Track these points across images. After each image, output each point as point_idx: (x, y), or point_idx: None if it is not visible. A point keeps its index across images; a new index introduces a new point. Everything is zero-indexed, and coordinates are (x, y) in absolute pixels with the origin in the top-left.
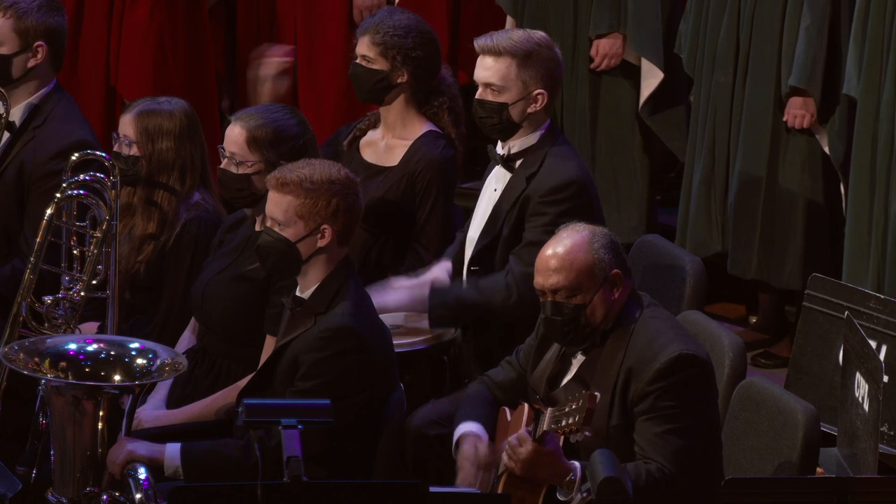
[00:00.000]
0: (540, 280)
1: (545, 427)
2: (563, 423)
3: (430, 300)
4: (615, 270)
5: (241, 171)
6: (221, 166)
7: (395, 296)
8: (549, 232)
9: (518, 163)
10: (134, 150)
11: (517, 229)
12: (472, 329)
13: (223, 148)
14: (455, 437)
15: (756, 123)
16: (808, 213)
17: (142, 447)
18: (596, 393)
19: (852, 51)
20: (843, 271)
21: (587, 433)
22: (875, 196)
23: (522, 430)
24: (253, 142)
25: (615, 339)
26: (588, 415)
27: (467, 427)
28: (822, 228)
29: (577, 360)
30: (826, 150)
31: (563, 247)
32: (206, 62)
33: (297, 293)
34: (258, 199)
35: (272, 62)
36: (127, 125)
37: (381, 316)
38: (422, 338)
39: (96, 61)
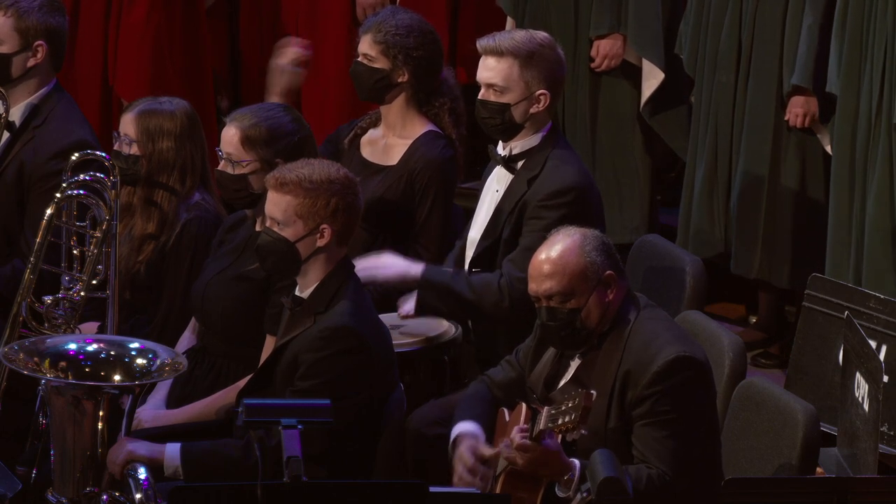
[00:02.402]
0: (534, 286)
1: (542, 426)
2: (560, 421)
3: (420, 284)
4: (608, 272)
5: (237, 171)
6: (219, 167)
7: (387, 272)
8: (545, 237)
9: (520, 164)
10: (134, 150)
11: (517, 232)
12: (472, 329)
13: (220, 150)
14: (452, 437)
15: (758, 123)
16: (810, 212)
17: (142, 447)
18: (592, 391)
19: (834, 49)
20: (826, 268)
21: (583, 431)
22: (854, 192)
23: (518, 431)
24: (247, 141)
25: (612, 342)
26: (584, 413)
27: (464, 427)
28: (824, 228)
29: (575, 363)
30: (828, 149)
31: (555, 252)
32: (203, 62)
33: (297, 293)
34: (257, 199)
35: (288, 52)
36: (128, 124)
37: (380, 316)
38: (421, 338)
39: (93, 61)
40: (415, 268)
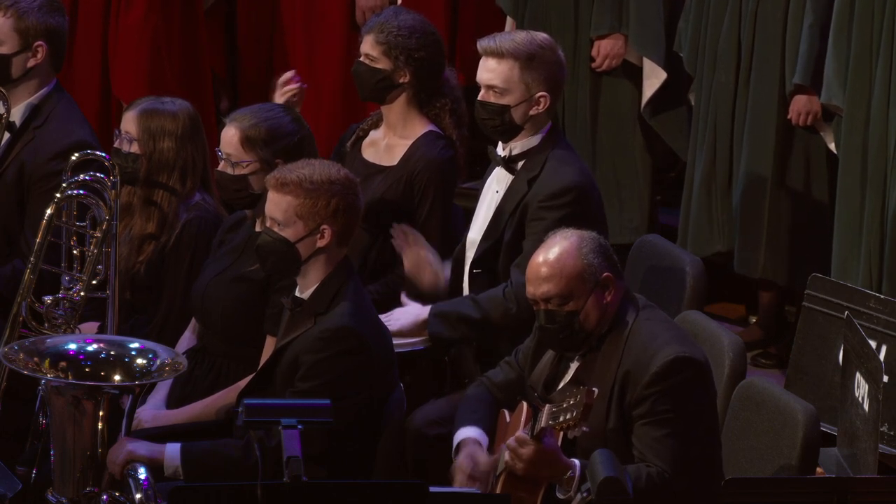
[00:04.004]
0: (531, 289)
1: (543, 424)
2: (561, 418)
3: (430, 320)
4: (606, 273)
5: (237, 171)
6: (218, 168)
7: (400, 321)
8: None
9: (519, 165)
10: (134, 148)
11: (518, 234)
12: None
13: (220, 150)
14: (455, 442)
15: (761, 122)
16: (815, 211)
17: (142, 447)
18: (594, 388)
19: (832, 59)
20: (832, 272)
21: (585, 429)
22: (866, 200)
23: (521, 432)
24: (247, 141)
25: (611, 343)
26: (586, 410)
27: (467, 432)
28: (829, 227)
29: (574, 364)
30: (831, 147)
31: (552, 255)
32: (201, 64)
33: (297, 293)
34: (256, 200)
35: (281, 93)
36: (129, 122)
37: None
38: (422, 338)
39: (92, 62)
40: (424, 310)
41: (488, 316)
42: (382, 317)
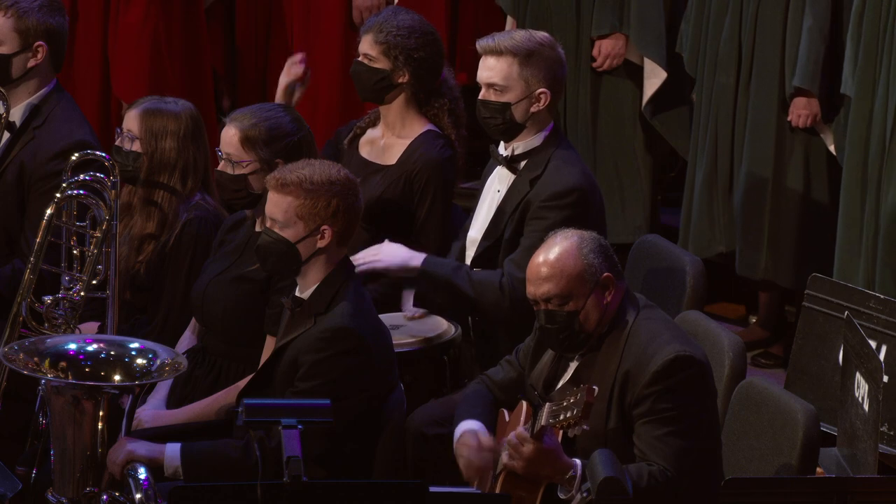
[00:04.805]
0: (532, 289)
1: (543, 422)
2: (562, 416)
3: (419, 277)
4: (606, 273)
5: (237, 171)
6: (218, 168)
7: (388, 261)
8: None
9: (522, 164)
10: (136, 146)
11: (518, 232)
12: (472, 329)
13: (220, 150)
14: (456, 435)
15: (761, 124)
16: (815, 212)
17: (142, 447)
18: (594, 386)
19: (849, 51)
20: (834, 270)
21: (585, 427)
22: (867, 195)
23: (521, 429)
24: (247, 141)
25: (611, 343)
26: (587, 408)
27: (468, 425)
28: (829, 228)
29: (574, 364)
30: (831, 149)
31: (552, 255)
32: (202, 62)
33: (297, 293)
34: (256, 200)
35: (290, 70)
36: (132, 121)
37: (381, 316)
38: (421, 338)
39: (91, 62)
40: (415, 259)
41: (480, 299)
42: (367, 251)
